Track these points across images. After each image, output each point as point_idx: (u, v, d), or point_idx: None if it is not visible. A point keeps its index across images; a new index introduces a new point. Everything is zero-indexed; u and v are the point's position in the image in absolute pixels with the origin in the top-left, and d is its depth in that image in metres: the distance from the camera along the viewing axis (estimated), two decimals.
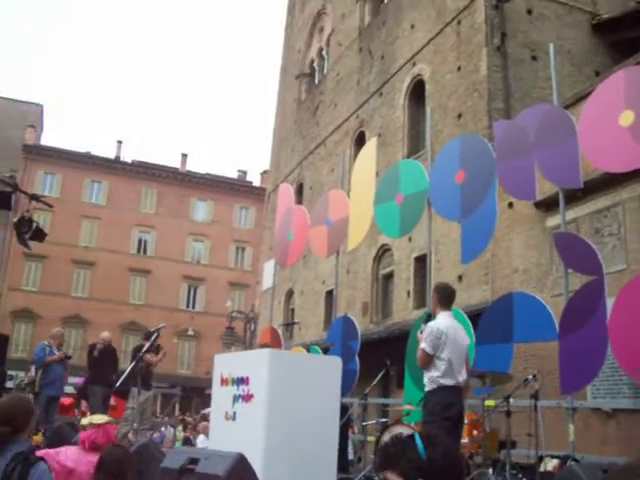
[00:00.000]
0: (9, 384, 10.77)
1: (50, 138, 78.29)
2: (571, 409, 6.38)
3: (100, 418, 4.72)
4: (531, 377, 6.55)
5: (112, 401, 10.41)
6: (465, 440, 6.83)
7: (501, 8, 15.16)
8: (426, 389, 5.77)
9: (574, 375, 6.20)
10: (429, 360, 5.64)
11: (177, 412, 35.49)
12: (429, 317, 6.03)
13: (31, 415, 3.51)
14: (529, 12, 15.64)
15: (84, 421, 4.81)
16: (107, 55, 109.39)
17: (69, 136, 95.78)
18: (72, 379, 12.52)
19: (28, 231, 10.24)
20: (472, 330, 7.21)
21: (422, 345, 5.70)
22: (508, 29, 15.11)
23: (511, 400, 6.32)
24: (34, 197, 10.77)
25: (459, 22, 16.14)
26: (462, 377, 5.69)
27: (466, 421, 6.64)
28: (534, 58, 15.16)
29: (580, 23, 16.24)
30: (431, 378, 5.65)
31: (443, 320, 5.77)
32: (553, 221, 11.09)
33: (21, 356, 34.90)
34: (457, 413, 5.59)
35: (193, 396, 40.51)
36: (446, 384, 5.57)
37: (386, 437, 6.64)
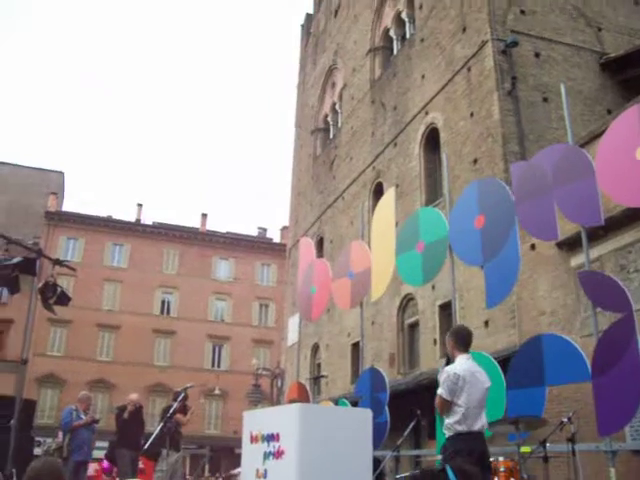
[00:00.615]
0: (37, 451, 10.68)
1: (71, 204, 79.88)
2: (611, 452, 6.19)
3: None
4: (566, 419, 6.40)
5: (140, 464, 10.26)
6: None
7: (509, 53, 15.36)
8: (445, 436, 5.56)
9: (611, 416, 6.03)
10: (447, 406, 5.42)
11: (207, 473, 34.95)
12: (449, 361, 5.83)
13: None
14: (537, 55, 15.83)
15: None
16: (125, 120, 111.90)
17: (90, 201, 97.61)
18: (100, 443, 12.36)
19: (53, 296, 10.32)
20: (502, 374, 7.09)
21: (439, 391, 5.49)
22: (518, 73, 15.27)
23: (547, 445, 6.15)
24: (58, 262, 10.86)
25: (469, 69, 16.35)
26: (481, 422, 5.43)
27: (502, 469, 6.48)
28: (545, 100, 15.27)
29: (588, 63, 16.39)
30: (448, 425, 5.43)
31: (460, 364, 5.56)
32: (577, 260, 10.97)
33: (47, 422, 34.80)
34: (475, 461, 5.19)
35: (222, 456, 39.96)
36: (463, 431, 5.33)
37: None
